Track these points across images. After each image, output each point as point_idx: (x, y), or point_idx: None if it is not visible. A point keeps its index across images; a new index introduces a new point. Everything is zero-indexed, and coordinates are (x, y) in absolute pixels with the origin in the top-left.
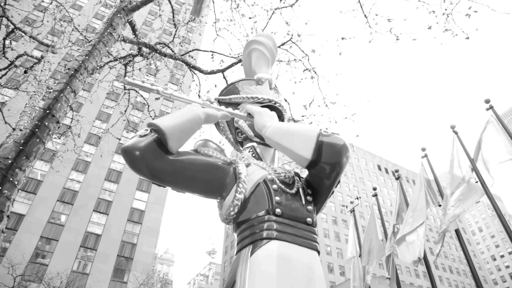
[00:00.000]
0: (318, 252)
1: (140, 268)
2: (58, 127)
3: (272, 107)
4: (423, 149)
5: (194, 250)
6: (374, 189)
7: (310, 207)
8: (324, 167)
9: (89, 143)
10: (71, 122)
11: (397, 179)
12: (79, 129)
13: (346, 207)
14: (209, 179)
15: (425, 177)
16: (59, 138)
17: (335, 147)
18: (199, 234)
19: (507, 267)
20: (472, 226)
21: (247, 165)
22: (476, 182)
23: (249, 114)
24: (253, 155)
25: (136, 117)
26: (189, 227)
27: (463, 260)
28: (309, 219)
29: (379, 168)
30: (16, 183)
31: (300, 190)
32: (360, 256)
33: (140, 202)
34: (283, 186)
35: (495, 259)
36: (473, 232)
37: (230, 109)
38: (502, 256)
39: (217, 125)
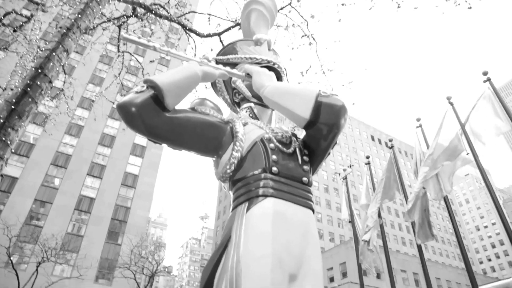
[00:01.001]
0: (313, 211)
1: (134, 231)
2: (51, 87)
3: (270, 68)
4: (418, 119)
5: (187, 215)
6: (367, 157)
7: (306, 167)
8: (322, 127)
9: (82, 107)
10: (63, 85)
11: (390, 148)
12: (71, 91)
13: (339, 174)
14: (205, 137)
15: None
16: (52, 101)
17: (334, 108)
18: (192, 199)
19: (489, 237)
20: (459, 198)
21: (244, 124)
22: (467, 154)
23: (248, 74)
24: (250, 115)
25: (130, 81)
26: (182, 192)
27: (448, 230)
28: (305, 179)
29: (373, 139)
30: (8, 142)
31: (297, 150)
32: (350, 221)
33: (134, 166)
34: (280, 145)
35: (478, 229)
36: (460, 203)
37: (228, 68)
38: (485, 227)
39: (214, 86)
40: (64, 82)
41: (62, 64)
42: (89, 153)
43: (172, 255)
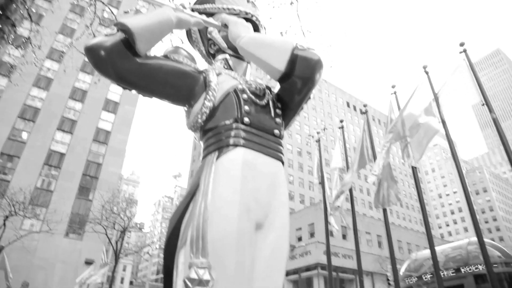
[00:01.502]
0: (283, 163)
1: (106, 187)
2: (15, 33)
3: (248, 20)
4: (393, 86)
5: (160, 173)
6: (341, 121)
7: (278, 120)
8: (296, 81)
9: (52, 58)
10: (29, 33)
11: (364, 113)
12: (39, 40)
13: (312, 136)
14: (177, 85)
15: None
16: (17, 49)
17: (310, 61)
18: (166, 157)
19: (450, 204)
20: (426, 167)
21: (218, 74)
22: (439, 122)
23: (224, 24)
24: (225, 67)
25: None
26: (156, 151)
27: (413, 196)
28: (276, 131)
29: (348, 105)
30: None
31: (270, 102)
32: (320, 183)
33: (106, 122)
34: (253, 97)
35: (441, 197)
36: (426, 172)
37: (204, 17)
38: (447, 195)
39: (189, 36)
40: (31, 30)
41: (26, 7)
42: (59, 107)
43: (145, 212)
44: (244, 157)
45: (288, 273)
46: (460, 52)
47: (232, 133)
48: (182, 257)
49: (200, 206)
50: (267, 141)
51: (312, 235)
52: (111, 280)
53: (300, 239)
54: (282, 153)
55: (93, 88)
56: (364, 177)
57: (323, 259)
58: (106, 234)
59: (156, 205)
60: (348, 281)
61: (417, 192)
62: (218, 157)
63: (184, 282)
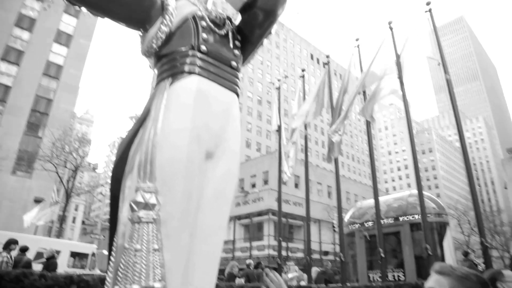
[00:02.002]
0: (238, 95)
1: (57, 124)
2: None
3: None
4: (357, 39)
5: (116, 114)
6: (303, 70)
7: (237, 52)
8: (258, 13)
9: None
10: None
11: (326, 64)
12: None
13: (273, 84)
14: (132, 6)
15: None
16: None
17: None
18: (123, 97)
19: (398, 161)
20: (380, 124)
21: None
22: (398, 82)
23: None
24: None
25: None
26: (112, 90)
27: (364, 151)
28: (234, 63)
29: (312, 57)
30: None
31: (230, 33)
32: (277, 131)
33: (58, 56)
34: (212, 25)
35: (390, 154)
36: (379, 129)
37: None
38: (396, 152)
39: None
40: None
41: None
42: (2, 35)
43: (99, 153)
44: (198, 85)
45: (240, 217)
46: (425, 11)
47: (188, 60)
48: (129, 182)
49: (150, 132)
50: (223, 72)
51: (266, 182)
52: (62, 219)
53: (254, 185)
54: (238, 86)
55: (43, 17)
56: (320, 130)
57: (275, 206)
58: (57, 173)
59: (111, 146)
60: (297, 227)
61: (369, 147)
62: (171, 84)
63: (130, 205)
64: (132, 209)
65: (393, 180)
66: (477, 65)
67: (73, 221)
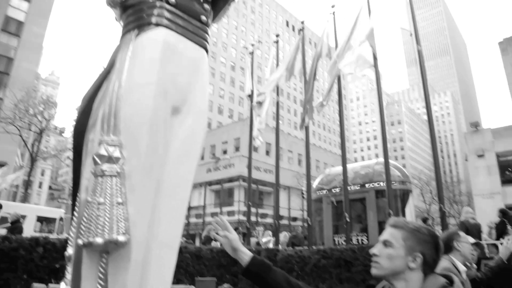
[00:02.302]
0: (207, 51)
1: (19, 85)
2: None
3: None
4: (333, 6)
5: (85, 76)
6: (277, 35)
7: (207, 6)
8: None
9: None
10: None
11: (300, 30)
12: None
13: (246, 48)
14: None
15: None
16: None
17: None
18: (91, 59)
19: (367, 132)
20: (352, 95)
21: None
22: (372, 52)
23: None
24: None
25: None
26: (80, 50)
27: (335, 121)
28: (203, 17)
29: (287, 25)
30: None
31: None
32: (249, 96)
33: (18, 11)
34: None
35: (360, 124)
36: (351, 99)
37: None
38: (366, 123)
39: None
40: None
41: None
42: None
43: (66, 117)
44: (165, 38)
45: (211, 183)
46: None
47: (155, 11)
48: (92, 135)
49: (114, 85)
50: (192, 26)
51: (237, 149)
52: (27, 184)
53: (225, 152)
54: (207, 41)
55: None
56: (293, 98)
57: (245, 172)
58: (21, 136)
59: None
60: (267, 193)
61: (340, 117)
62: (137, 36)
63: (93, 158)
64: (95, 163)
65: (362, 150)
66: (448, 40)
67: (40, 186)
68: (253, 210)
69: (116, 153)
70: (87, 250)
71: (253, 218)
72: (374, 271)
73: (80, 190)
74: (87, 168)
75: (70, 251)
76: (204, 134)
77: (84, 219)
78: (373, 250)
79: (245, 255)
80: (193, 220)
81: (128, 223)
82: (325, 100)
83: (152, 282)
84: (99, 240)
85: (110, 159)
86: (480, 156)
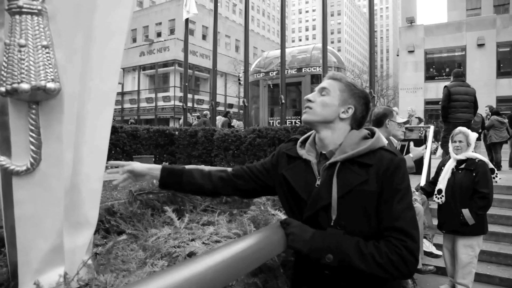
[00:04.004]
0: None
1: None
2: None
3: None
4: None
5: None
6: None
7: None
8: None
9: None
10: None
11: None
12: None
13: None
14: None
15: None
16: None
17: None
18: None
19: (307, 21)
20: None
21: None
22: None
23: None
24: None
25: None
26: None
27: (276, 7)
28: None
29: None
30: None
31: None
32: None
33: None
34: None
35: (300, 13)
36: None
37: None
38: (307, 12)
39: None
40: None
41: None
42: None
43: None
44: None
45: (145, 68)
46: None
47: None
48: None
49: None
50: None
51: (172, 31)
52: None
53: (159, 34)
54: None
55: None
56: None
57: (181, 56)
58: None
59: None
60: (203, 79)
61: (280, 3)
62: None
63: None
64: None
65: (300, 40)
66: None
67: None
68: (189, 96)
69: None
70: (12, 99)
71: (189, 104)
72: (305, 116)
73: None
74: None
75: None
76: None
77: (4, 64)
78: (308, 96)
79: (156, 170)
80: (127, 105)
81: (57, 69)
82: None
83: (88, 136)
84: (25, 86)
85: None
86: (411, 52)
